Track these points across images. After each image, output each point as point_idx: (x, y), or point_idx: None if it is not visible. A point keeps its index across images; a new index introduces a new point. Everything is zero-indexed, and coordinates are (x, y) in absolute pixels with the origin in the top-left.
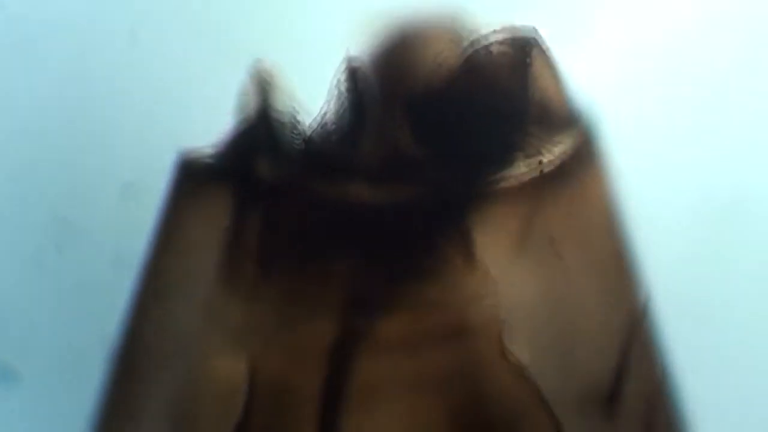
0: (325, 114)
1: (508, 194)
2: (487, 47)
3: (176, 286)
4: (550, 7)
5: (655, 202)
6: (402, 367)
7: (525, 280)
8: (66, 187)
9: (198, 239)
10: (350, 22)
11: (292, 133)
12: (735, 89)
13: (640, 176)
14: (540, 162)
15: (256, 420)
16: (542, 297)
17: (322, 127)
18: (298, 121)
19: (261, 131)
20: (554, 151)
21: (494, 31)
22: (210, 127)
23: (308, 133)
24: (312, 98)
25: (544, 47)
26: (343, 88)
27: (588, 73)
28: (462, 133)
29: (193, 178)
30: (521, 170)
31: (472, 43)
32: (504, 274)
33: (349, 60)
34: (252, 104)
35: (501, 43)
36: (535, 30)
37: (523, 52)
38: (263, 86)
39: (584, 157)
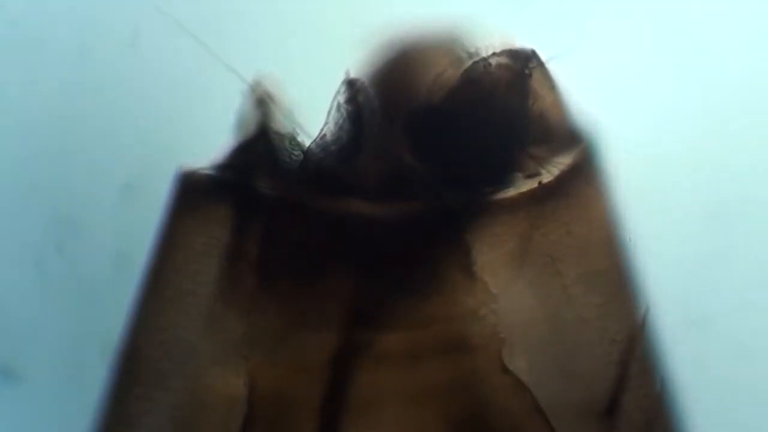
0: (324, 129)
1: (507, 211)
2: (486, 62)
3: (177, 299)
4: (548, 24)
5: (655, 204)
6: (402, 380)
7: (524, 295)
8: (66, 186)
9: (198, 253)
10: (350, 38)
11: (292, 148)
12: (735, 90)
13: (641, 180)
14: (539, 179)
15: (256, 430)
16: (541, 312)
17: (321, 143)
18: (298, 136)
19: (261, 146)
20: (554, 168)
21: (493, 51)
22: (210, 129)
23: (308, 148)
24: (312, 114)
25: (542, 63)
26: (342, 103)
27: (587, 78)
28: (461, 149)
29: (193, 192)
30: (521, 187)
31: (471, 60)
32: (503, 290)
33: (349, 76)
34: (252, 120)
35: (500, 57)
36: (533, 49)
37: (521, 67)
38: (263, 102)
39: (584, 173)
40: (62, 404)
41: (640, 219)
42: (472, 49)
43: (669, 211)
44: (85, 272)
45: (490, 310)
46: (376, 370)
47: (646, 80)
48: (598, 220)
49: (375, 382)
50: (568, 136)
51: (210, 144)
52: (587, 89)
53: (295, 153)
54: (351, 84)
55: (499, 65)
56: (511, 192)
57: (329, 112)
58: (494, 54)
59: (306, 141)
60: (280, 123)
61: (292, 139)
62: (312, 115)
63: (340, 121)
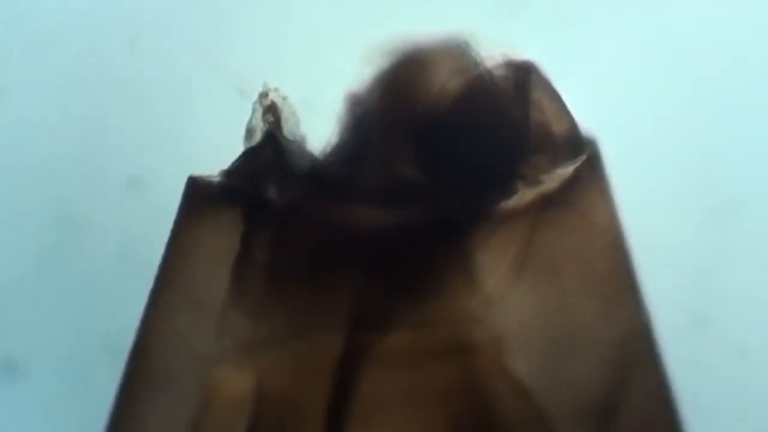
0: (330, 138)
1: (508, 218)
2: (488, 72)
3: (186, 304)
4: (549, 35)
5: (656, 205)
6: (404, 382)
7: (525, 301)
8: (71, 181)
9: (207, 258)
10: (355, 49)
11: (299, 156)
12: (736, 90)
13: (641, 181)
14: (541, 188)
15: None
16: (541, 318)
17: (326, 151)
18: (305, 145)
19: (268, 154)
20: (555, 177)
21: (495, 62)
22: (211, 127)
23: (314, 156)
24: (318, 122)
25: (544, 73)
26: (347, 113)
27: (587, 84)
28: (463, 158)
29: (202, 198)
30: (522, 196)
31: (473, 71)
32: (504, 296)
33: (354, 85)
34: (260, 127)
35: (501, 69)
36: (534, 61)
37: (523, 78)
38: (271, 110)
39: (585, 182)
40: (65, 400)
41: (640, 220)
42: (475, 61)
43: (669, 211)
44: (87, 269)
45: (491, 315)
46: (379, 372)
47: (647, 81)
48: (599, 227)
49: (378, 385)
50: (569, 146)
51: (212, 142)
52: (589, 91)
53: (302, 161)
54: (355, 94)
55: (501, 76)
56: (512, 201)
57: (335, 122)
58: (496, 64)
59: (312, 149)
60: (288, 131)
61: (299, 146)
62: (318, 123)
63: (345, 131)
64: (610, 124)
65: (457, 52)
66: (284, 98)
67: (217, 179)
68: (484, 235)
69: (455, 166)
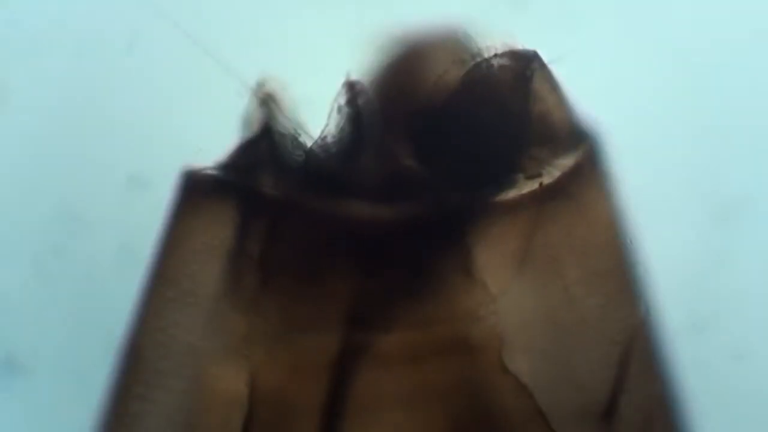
0: (326, 130)
1: (508, 212)
2: (487, 64)
3: (177, 299)
4: (550, 25)
5: (656, 206)
6: (402, 381)
7: (524, 296)
8: (71, 180)
9: (200, 252)
10: (353, 39)
11: (294, 148)
12: (736, 90)
13: (642, 181)
14: (541, 180)
15: None
16: (541, 313)
17: (323, 144)
18: (301, 137)
19: (264, 147)
20: (555, 170)
21: (495, 52)
22: (212, 125)
23: (310, 149)
24: (315, 114)
25: (544, 64)
26: (344, 104)
27: (589, 79)
28: (462, 151)
29: (196, 191)
30: (522, 188)
31: (473, 61)
32: (503, 291)
33: (351, 77)
34: (255, 120)
35: (501, 59)
36: (535, 51)
37: (523, 69)
38: (266, 102)
39: (586, 174)
40: (66, 398)
41: (641, 221)
42: (474, 51)
43: (669, 213)
44: (87, 267)
45: (490, 311)
46: (376, 371)
47: (648, 80)
48: (600, 221)
49: (375, 384)
50: (570, 137)
51: (213, 139)
52: (590, 90)
53: (298, 154)
54: (353, 85)
55: (501, 67)
56: (512, 193)
57: (330, 114)
58: (496, 55)
59: (308, 142)
60: (283, 123)
61: (295, 139)
62: (315, 116)
63: (342, 123)
64: (610, 123)
65: (456, 42)
66: (280, 90)
67: (212, 172)
68: (483, 229)
69: (454, 158)
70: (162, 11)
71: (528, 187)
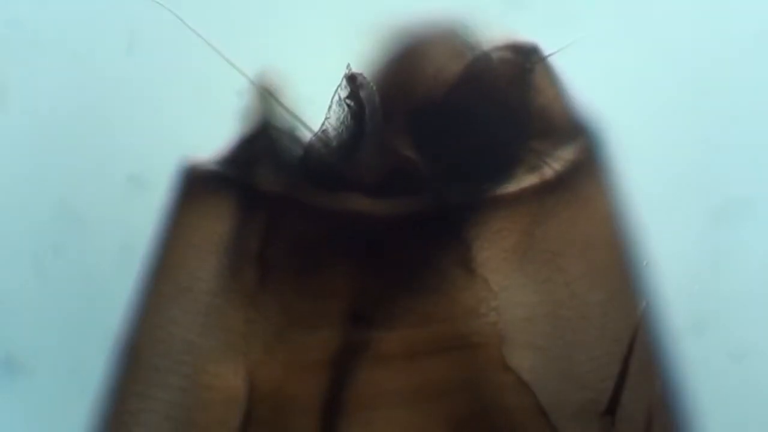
0: (325, 125)
1: (508, 207)
2: (487, 57)
3: (175, 295)
4: (551, 18)
5: (656, 206)
6: (401, 379)
7: (525, 292)
8: (71, 180)
9: (198, 248)
10: (352, 33)
11: (294, 143)
12: (736, 89)
13: (642, 179)
14: (541, 174)
15: (254, 429)
16: (542, 309)
17: (322, 138)
18: (300, 132)
19: (263, 141)
20: (556, 163)
21: (495, 45)
22: (215, 123)
23: (309, 143)
24: (314, 108)
25: (545, 57)
26: (344, 98)
27: (591, 73)
28: (463, 144)
29: (195, 186)
30: (522, 182)
31: (473, 54)
32: (504, 287)
33: (351, 71)
34: (254, 114)
35: (502, 52)
36: (535, 44)
37: (523, 61)
38: (265, 97)
39: (586, 168)
40: (66, 397)
41: (640, 221)
42: (474, 44)
43: (669, 213)
44: (87, 267)
45: (491, 308)
46: (376, 369)
47: (648, 80)
48: (601, 215)
49: (374, 382)
50: (570, 131)
51: (212, 140)
52: (591, 85)
53: (297, 148)
54: (352, 79)
55: (501, 60)
56: (512, 187)
57: (330, 107)
58: (496, 48)
59: (308, 136)
60: (282, 118)
61: (294, 134)
62: (314, 110)
63: (342, 117)
64: (610, 123)
65: (456, 36)
66: (279, 84)
67: (210, 167)
68: (483, 224)
69: (454, 151)
70: (162, 5)
71: (528, 180)
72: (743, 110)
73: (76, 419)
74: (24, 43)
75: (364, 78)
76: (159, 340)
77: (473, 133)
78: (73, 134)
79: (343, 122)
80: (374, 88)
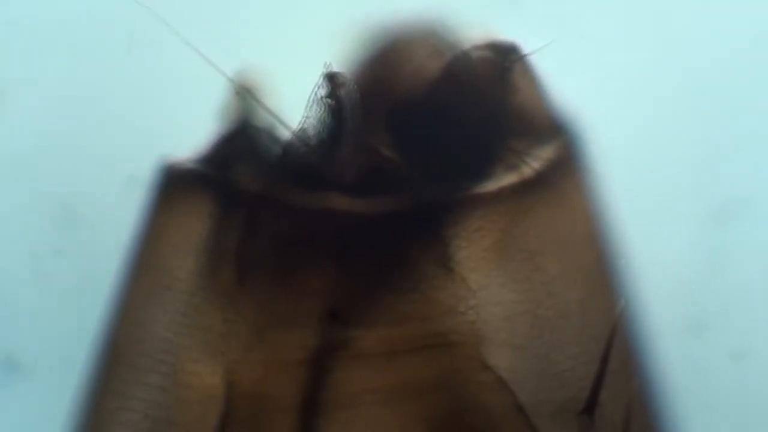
0: (304, 123)
1: (487, 205)
2: (466, 55)
3: (154, 294)
4: (530, 17)
5: (655, 207)
6: (380, 378)
7: (503, 291)
8: (70, 181)
9: (177, 246)
10: (332, 32)
11: (273, 141)
12: (736, 89)
13: (642, 179)
14: (520, 172)
15: (232, 428)
16: (521, 308)
17: (301, 137)
18: (279, 130)
19: (241, 140)
20: (534, 162)
21: (474, 44)
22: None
23: (288, 142)
24: (293, 107)
25: (523, 56)
26: (323, 97)
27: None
28: (441, 143)
29: (173, 184)
30: (501, 181)
31: (452, 53)
32: (482, 286)
33: (330, 69)
34: (233, 112)
35: (481, 51)
36: (514, 43)
37: (502, 60)
38: (244, 95)
39: (565, 167)
40: (65, 397)
41: (639, 221)
42: (453, 43)
43: (668, 213)
44: (87, 267)
45: (469, 307)
46: (354, 368)
47: (647, 80)
48: (580, 214)
49: (353, 381)
50: (549, 129)
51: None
52: (591, 84)
53: (276, 147)
54: (331, 77)
55: (480, 58)
56: (490, 186)
57: (309, 106)
58: (475, 47)
59: (287, 135)
60: (261, 116)
61: (273, 133)
62: (293, 109)
63: (321, 116)
64: (609, 123)
65: (435, 34)
66: (259, 82)
67: (189, 165)
68: (462, 223)
69: (433, 150)
70: (142, 4)
71: (507, 179)
72: (743, 110)
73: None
74: (24, 43)
75: (344, 76)
76: (138, 339)
77: (452, 132)
78: (73, 134)
79: (322, 121)
80: (353, 86)
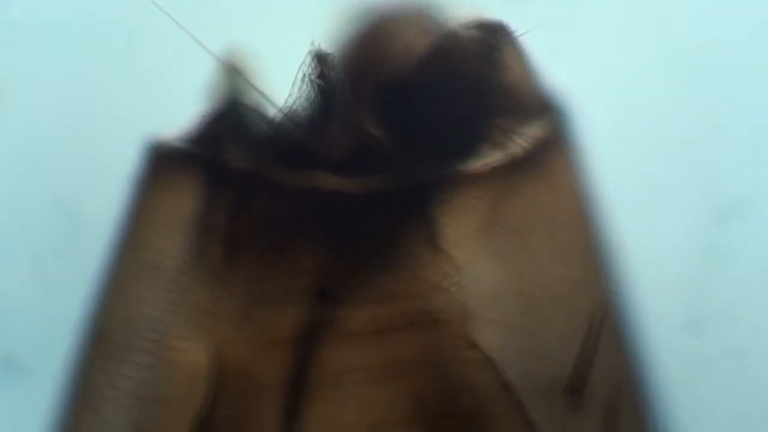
0: (293, 102)
1: (474, 183)
2: (455, 34)
3: (142, 272)
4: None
5: (655, 207)
6: (367, 356)
7: (491, 269)
8: (71, 179)
9: (165, 225)
10: (320, 10)
11: (261, 120)
12: (736, 89)
13: (643, 179)
14: (508, 151)
15: (220, 406)
16: (508, 286)
17: (290, 116)
18: (267, 109)
19: (230, 118)
20: (522, 140)
21: (463, 23)
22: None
23: (277, 121)
24: (282, 86)
25: (512, 36)
26: (311, 75)
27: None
28: (429, 121)
29: (162, 163)
30: (488, 159)
31: (441, 32)
32: (469, 264)
33: (318, 48)
34: (222, 91)
35: (469, 30)
36: (503, 22)
37: (491, 39)
38: (233, 74)
39: (553, 146)
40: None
41: (639, 221)
42: (442, 22)
43: (669, 213)
44: (87, 266)
45: (456, 284)
46: (341, 346)
47: (647, 79)
48: (568, 192)
49: (340, 359)
50: (537, 108)
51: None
52: (591, 84)
53: (264, 126)
54: (320, 57)
55: (469, 37)
56: (478, 164)
57: (297, 85)
58: (463, 26)
59: (275, 113)
60: (250, 95)
61: (261, 111)
62: (282, 88)
63: (309, 95)
64: (609, 123)
65: (424, 14)
66: (247, 62)
67: (177, 144)
68: (449, 201)
69: (420, 128)
70: (164, 14)
71: (494, 157)
72: (743, 110)
73: None
74: (24, 43)
75: (332, 55)
76: (125, 318)
77: (440, 110)
78: (73, 134)
79: (310, 100)
80: (341, 65)
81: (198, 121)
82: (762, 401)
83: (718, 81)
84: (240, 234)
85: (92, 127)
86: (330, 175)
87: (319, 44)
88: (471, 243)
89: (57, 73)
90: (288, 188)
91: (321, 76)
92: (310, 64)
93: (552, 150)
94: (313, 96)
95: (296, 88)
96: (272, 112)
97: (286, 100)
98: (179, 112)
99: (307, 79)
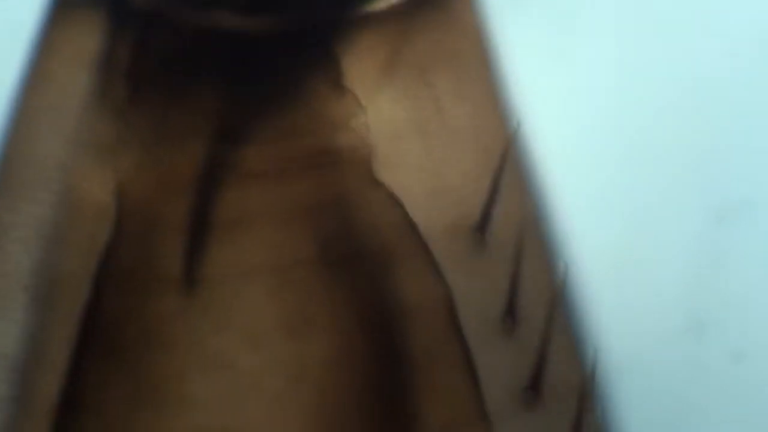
0: None
1: (376, 21)
2: None
3: (45, 110)
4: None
5: (656, 208)
6: (269, 197)
7: (394, 107)
8: None
9: (69, 61)
10: None
11: None
12: (736, 91)
13: (642, 180)
14: None
15: (124, 246)
16: (412, 124)
17: None
18: None
19: None
20: None
21: None
22: None
23: None
24: None
25: None
26: None
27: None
28: None
29: (65, 1)
30: None
31: None
32: (373, 102)
33: None
34: None
35: None
36: None
37: None
38: None
39: None
40: None
41: (639, 222)
42: None
43: (669, 214)
44: None
45: (360, 123)
46: (244, 187)
47: (646, 79)
48: (469, 30)
49: (242, 200)
50: None
51: None
52: (590, 84)
53: None
54: None
55: None
56: (381, 3)
57: None
58: None
59: None
60: None
61: None
62: None
63: None
64: (609, 123)
65: None
66: None
67: None
68: (352, 41)
69: None
70: None
71: None
72: (743, 111)
73: None
74: (24, 43)
75: None
76: (28, 155)
77: None
78: None
79: None
80: None
81: None
82: (763, 403)
83: (718, 81)
84: (143, 73)
85: None
86: (232, 15)
87: None
88: (374, 82)
89: None
90: (190, 27)
91: None
92: None
93: None
94: None
95: None
96: None
97: None
98: None
99: None
